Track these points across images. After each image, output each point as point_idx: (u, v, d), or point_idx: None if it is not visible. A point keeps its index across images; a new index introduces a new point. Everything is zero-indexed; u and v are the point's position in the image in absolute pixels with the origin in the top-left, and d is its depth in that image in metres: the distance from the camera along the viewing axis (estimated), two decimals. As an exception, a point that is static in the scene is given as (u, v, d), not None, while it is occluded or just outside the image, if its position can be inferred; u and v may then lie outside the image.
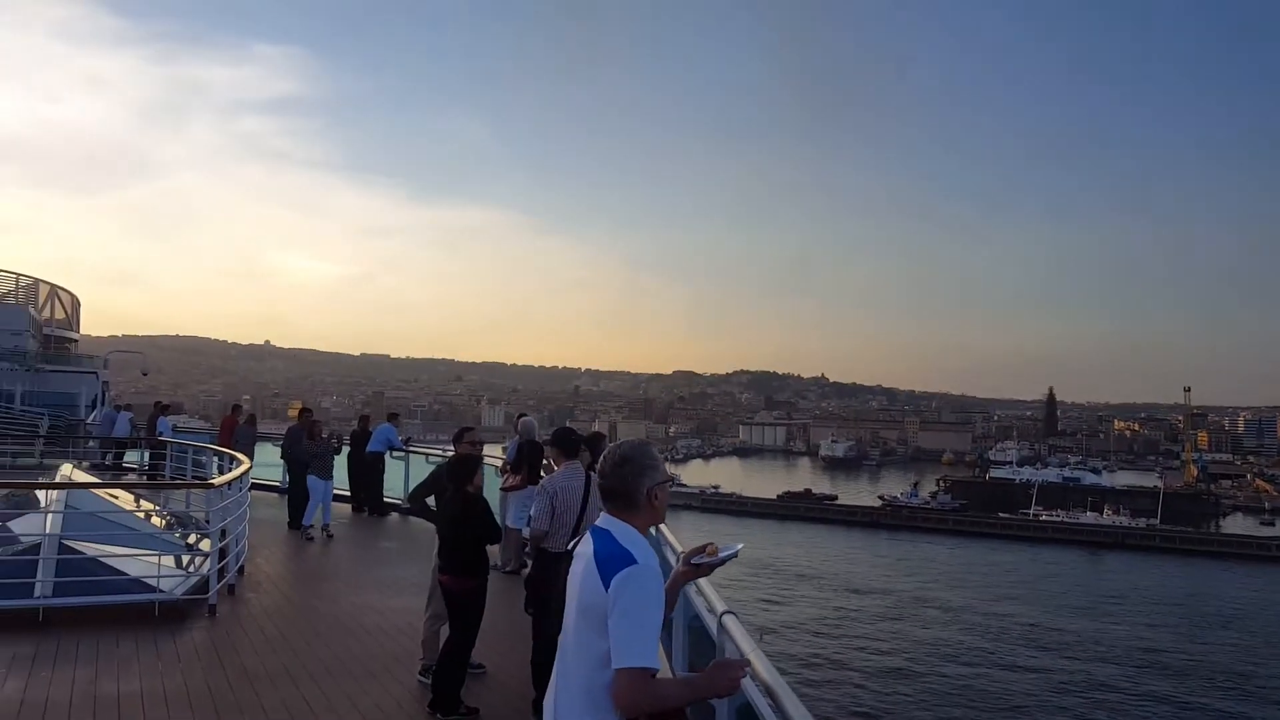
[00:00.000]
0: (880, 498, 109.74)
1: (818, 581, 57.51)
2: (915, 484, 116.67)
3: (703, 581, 5.59)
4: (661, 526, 5.56)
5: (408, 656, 7.26)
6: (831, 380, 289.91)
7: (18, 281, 41.13)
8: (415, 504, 7.65)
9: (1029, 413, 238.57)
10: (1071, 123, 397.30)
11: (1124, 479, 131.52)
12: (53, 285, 42.35)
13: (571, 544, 2.88)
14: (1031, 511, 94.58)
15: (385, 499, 15.98)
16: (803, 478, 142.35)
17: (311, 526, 13.55)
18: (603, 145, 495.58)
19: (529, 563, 10.97)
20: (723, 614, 4.74)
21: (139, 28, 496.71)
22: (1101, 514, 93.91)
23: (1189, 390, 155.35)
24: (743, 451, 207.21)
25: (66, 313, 44.02)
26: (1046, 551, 75.72)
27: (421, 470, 15.98)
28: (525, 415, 12.04)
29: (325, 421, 16.20)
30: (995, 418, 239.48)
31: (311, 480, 13.72)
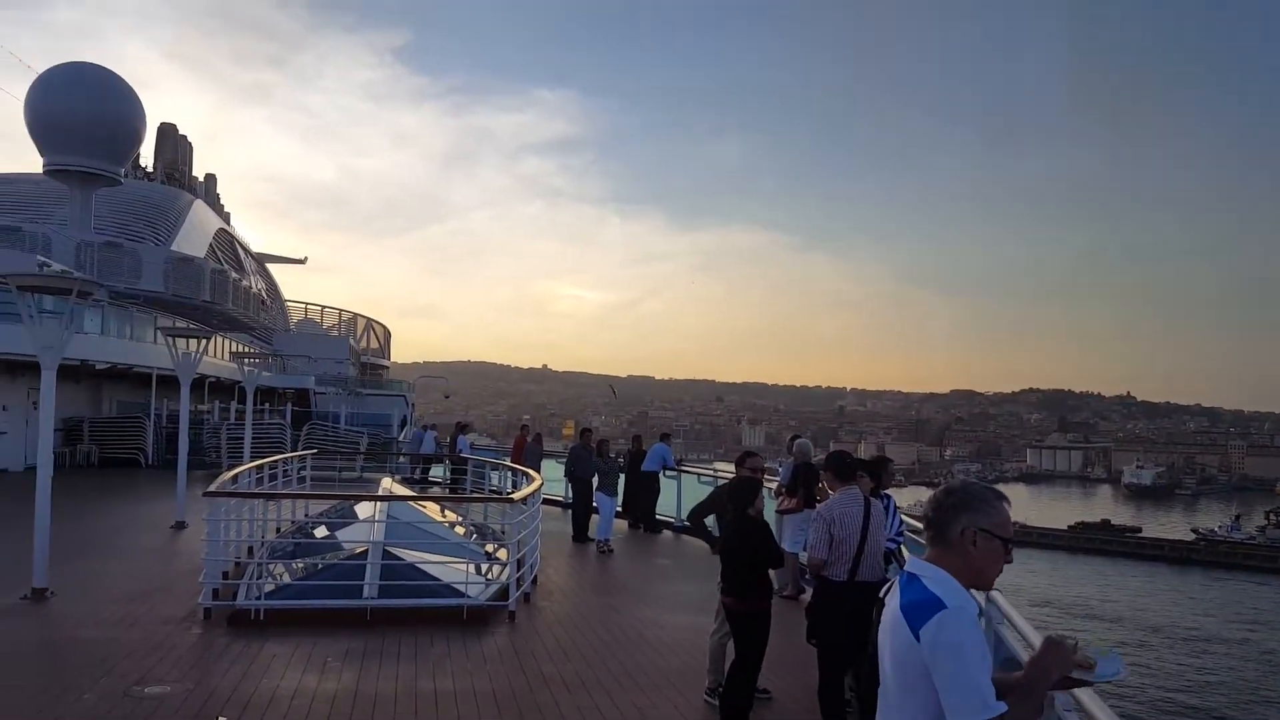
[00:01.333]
0: (1194, 531, 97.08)
1: (1109, 621, 51.00)
2: (1238, 516, 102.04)
3: (1015, 614, 5.16)
4: (998, 599, 4.96)
5: (692, 673, 7.31)
6: (1139, 399, 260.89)
7: (340, 316, 47.18)
8: (694, 523, 7.73)
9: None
10: None
11: None
12: (368, 319, 48.07)
13: (883, 591, 2.62)
14: None
15: (658, 517, 16.41)
16: (1101, 507, 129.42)
17: (606, 541, 14.15)
18: (865, 157, 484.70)
19: (805, 588, 10.83)
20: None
21: (436, 84, 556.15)
22: None
23: None
24: (1030, 477, 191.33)
25: (380, 342, 49.85)
26: None
27: (693, 489, 16.23)
28: (800, 437, 11.86)
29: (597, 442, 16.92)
30: None
31: (599, 496, 14.40)
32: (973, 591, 2.48)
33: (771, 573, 6.53)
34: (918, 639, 2.26)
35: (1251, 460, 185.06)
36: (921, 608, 2.29)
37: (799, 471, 10.88)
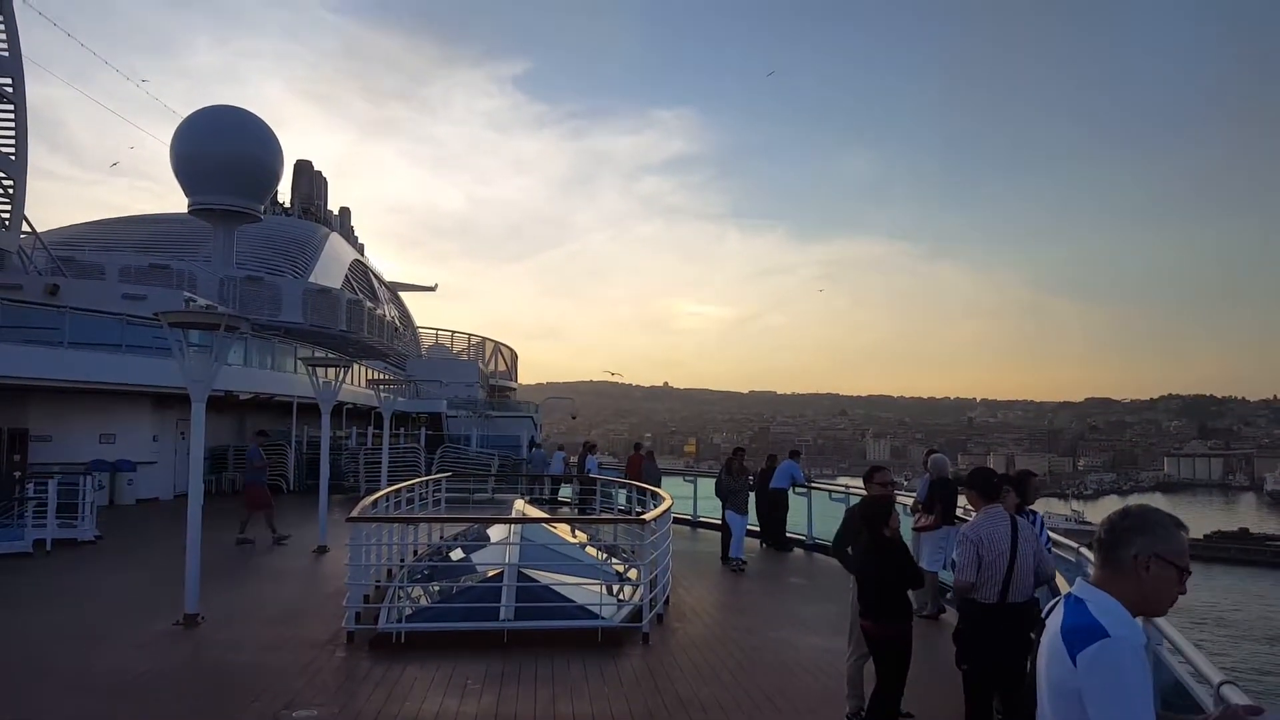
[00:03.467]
0: None
1: (1236, 628, 48.65)
2: None
3: (1184, 643, 4.71)
4: (1170, 630, 4.64)
5: (830, 696, 7.07)
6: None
7: (469, 340, 48.64)
8: (838, 554, 7.42)
9: None
10: None
11: None
12: (496, 342, 49.36)
13: (1045, 611, 2.45)
14: None
15: (789, 534, 16.05)
16: (1243, 516, 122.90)
17: (740, 559, 14.00)
18: (992, 163, 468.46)
19: (946, 608, 10.32)
20: (1221, 684, 3.94)
21: (555, 110, 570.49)
22: None
23: None
24: (1167, 486, 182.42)
25: (507, 365, 51.15)
26: None
27: (823, 506, 15.86)
28: (936, 451, 11.37)
29: (717, 457, 16.71)
30: None
31: (729, 515, 14.30)
32: (1139, 620, 2.35)
33: (910, 593, 6.27)
34: (1075, 664, 2.16)
35: None
36: (1083, 633, 2.19)
37: (935, 487, 10.46)
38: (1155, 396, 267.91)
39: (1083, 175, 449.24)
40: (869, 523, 6.37)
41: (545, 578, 9.64)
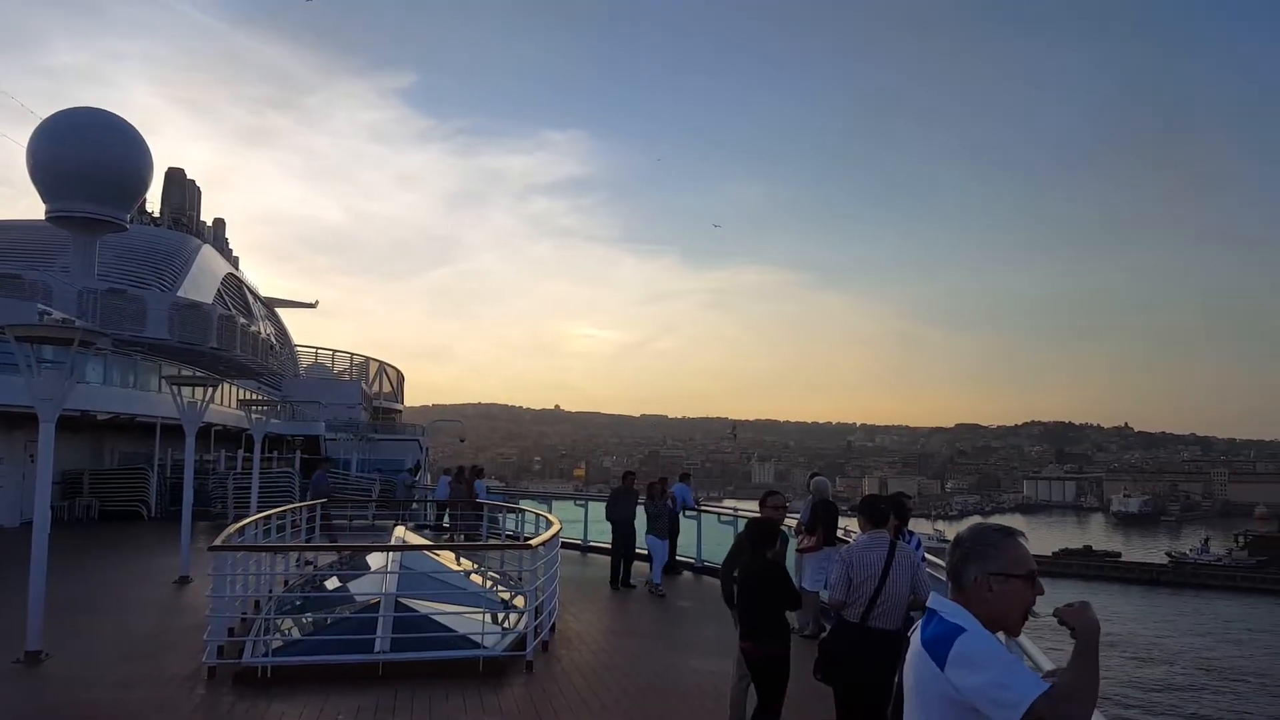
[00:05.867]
0: (1168, 554, 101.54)
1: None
2: (1206, 540, 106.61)
3: (1027, 642, 4.85)
4: (1027, 644, 4.80)
5: (717, 721, 7.00)
6: (1136, 430, 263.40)
7: (352, 360, 47.09)
8: (725, 581, 7.44)
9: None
10: None
11: None
12: (380, 362, 47.95)
13: (911, 630, 2.56)
14: None
15: (678, 558, 16.00)
16: (1091, 535, 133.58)
17: (659, 584, 13.95)
18: (877, 198, 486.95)
19: (826, 625, 10.47)
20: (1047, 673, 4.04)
21: (443, 125, 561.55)
22: None
23: None
24: (1027, 508, 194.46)
25: (393, 386, 49.71)
26: None
27: (713, 529, 15.89)
28: (818, 474, 11.60)
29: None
30: None
31: (650, 539, 14.28)
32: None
33: (790, 614, 6.38)
34: (943, 668, 2.27)
35: (1234, 486, 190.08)
36: (943, 638, 2.32)
37: (817, 510, 10.66)
38: (1019, 423, 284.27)
39: (957, 214, 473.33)
40: (754, 544, 6.51)
41: (425, 607, 9.25)
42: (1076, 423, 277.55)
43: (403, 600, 9.02)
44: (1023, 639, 4.81)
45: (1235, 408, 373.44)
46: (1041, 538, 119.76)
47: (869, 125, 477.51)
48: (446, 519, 22.18)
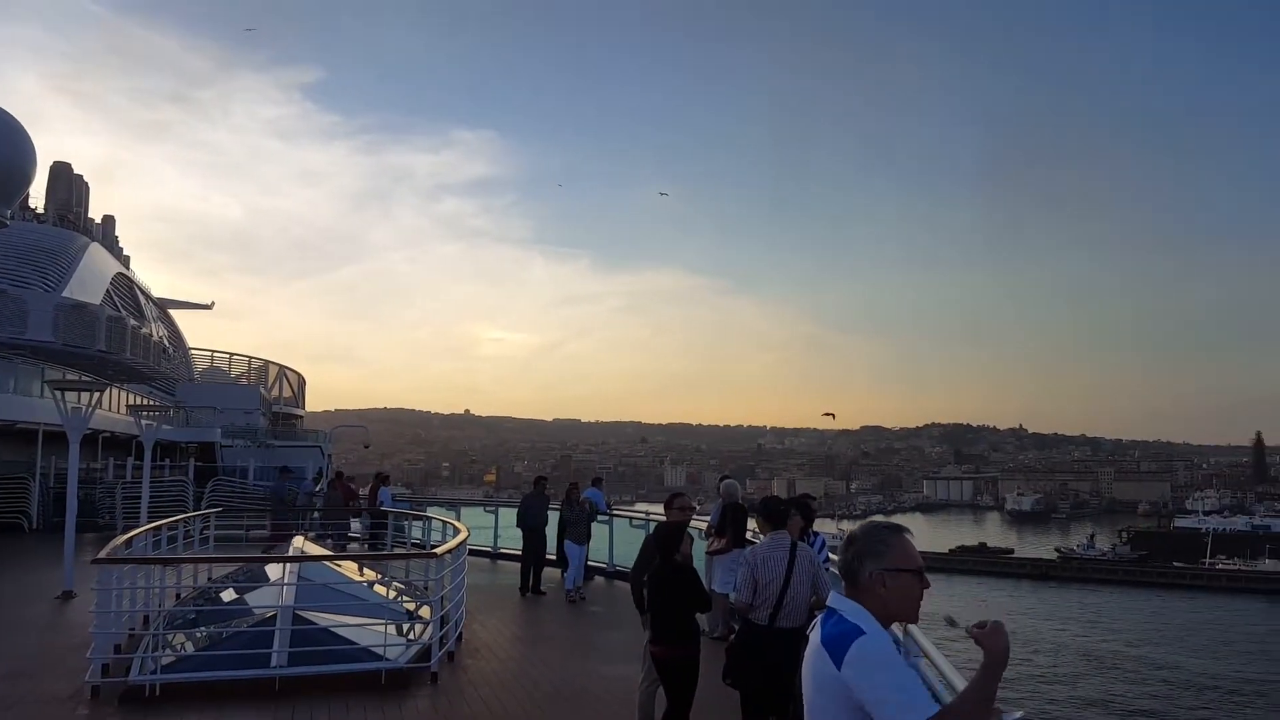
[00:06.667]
0: (1057, 550, 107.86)
1: (960, 634, 56.24)
2: (1092, 535, 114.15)
3: (930, 647, 4.98)
4: (915, 631, 4.94)
5: (624, 728, 6.99)
6: (1030, 431, 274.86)
7: (250, 363, 45.40)
8: (635, 585, 7.40)
9: (1245, 459, 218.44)
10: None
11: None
12: (281, 366, 46.37)
13: (810, 628, 2.62)
14: (1208, 560, 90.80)
15: (589, 563, 15.94)
16: (987, 532, 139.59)
17: (577, 589, 13.88)
18: (781, 205, 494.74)
19: (735, 628, 10.58)
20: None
21: (349, 122, 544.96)
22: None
23: None
24: (927, 507, 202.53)
25: (293, 391, 48.06)
26: (1221, 600, 72.66)
27: (625, 533, 15.90)
28: (728, 477, 11.75)
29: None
30: (1205, 465, 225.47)
31: (568, 545, 14.17)
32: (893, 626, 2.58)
33: (700, 616, 6.42)
34: (840, 669, 2.33)
35: (1120, 485, 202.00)
36: (841, 638, 2.37)
37: (727, 512, 10.76)
38: (920, 425, 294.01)
39: (861, 222, 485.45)
40: (662, 547, 6.52)
41: (325, 619, 8.96)
42: (974, 424, 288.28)
43: (301, 613, 8.72)
44: (916, 631, 4.97)
45: (1122, 410, 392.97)
46: (939, 536, 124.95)
47: (783, 133, 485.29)
48: (355, 528, 21.62)
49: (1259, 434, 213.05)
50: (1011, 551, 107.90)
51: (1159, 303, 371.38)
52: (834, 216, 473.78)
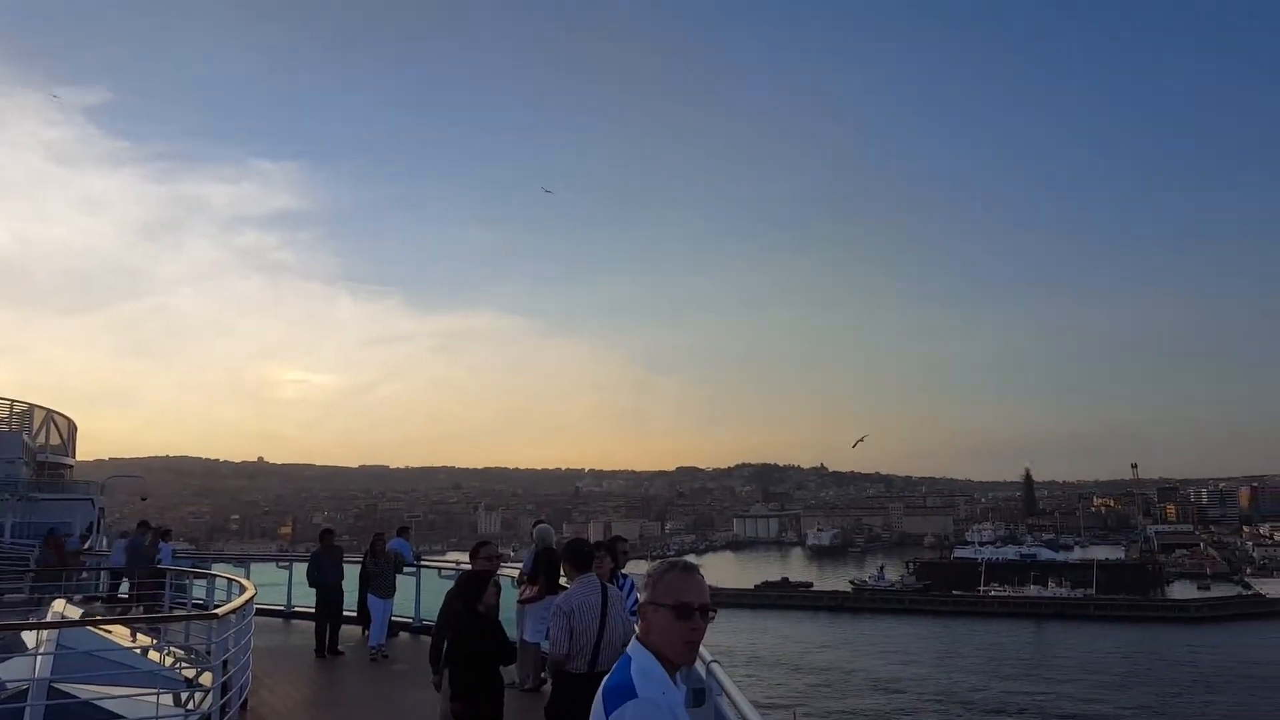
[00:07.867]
0: (851, 582, 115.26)
1: (765, 663, 60.32)
2: (882, 568, 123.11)
3: (731, 687, 5.10)
4: (719, 672, 5.04)
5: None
6: (830, 470, 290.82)
7: (12, 408, 40.60)
8: (435, 642, 7.01)
9: (1019, 493, 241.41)
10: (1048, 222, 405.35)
11: (1098, 553, 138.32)
12: (48, 410, 41.86)
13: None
14: (982, 588, 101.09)
15: (394, 618, 15.24)
16: (791, 567, 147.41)
17: (381, 647, 13.24)
18: (604, 245, 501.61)
19: (548, 678, 10.37)
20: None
21: (138, 149, 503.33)
22: (1045, 587, 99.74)
23: (1152, 467, 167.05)
24: (736, 545, 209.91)
25: (62, 438, 43.34)
26: (995, 624, 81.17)
27: (432, 583, 15.33)
28: (542, 521, 11.56)
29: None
30: (984, 500, 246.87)
31: (371, 600, 13.51)
32: (684, 671, 2.60)
33: (510, 667, 6.25)
34: None
35: (909, 519, 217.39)
36: (617, 693, 2.32)
37: (540, 558, 10.58)
38: (732, 465, 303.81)
39: (681, 266, 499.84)
40: (464, 598, 6.34)
41: (88, 691, 8.04)
42: (781, 464, 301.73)
43: (59, 685, 7.78)
44: (720, 672, 5.05)
45: (911, 449, 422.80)
46: (746, 572, 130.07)
47: (609, 170, 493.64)
48: (125, 589, 19.69)
49: (1028, 470, 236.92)
50: (811, 585, 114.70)
51: (947, 350, 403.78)
52: (662, 255, 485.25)
